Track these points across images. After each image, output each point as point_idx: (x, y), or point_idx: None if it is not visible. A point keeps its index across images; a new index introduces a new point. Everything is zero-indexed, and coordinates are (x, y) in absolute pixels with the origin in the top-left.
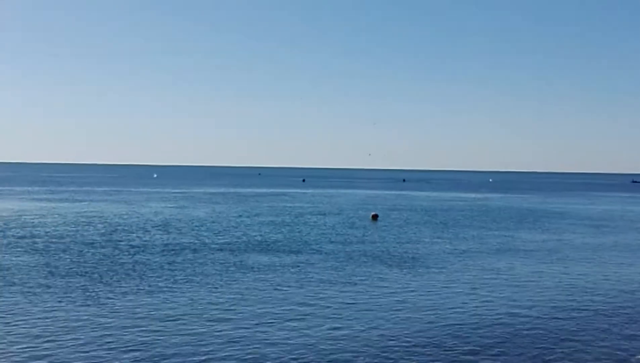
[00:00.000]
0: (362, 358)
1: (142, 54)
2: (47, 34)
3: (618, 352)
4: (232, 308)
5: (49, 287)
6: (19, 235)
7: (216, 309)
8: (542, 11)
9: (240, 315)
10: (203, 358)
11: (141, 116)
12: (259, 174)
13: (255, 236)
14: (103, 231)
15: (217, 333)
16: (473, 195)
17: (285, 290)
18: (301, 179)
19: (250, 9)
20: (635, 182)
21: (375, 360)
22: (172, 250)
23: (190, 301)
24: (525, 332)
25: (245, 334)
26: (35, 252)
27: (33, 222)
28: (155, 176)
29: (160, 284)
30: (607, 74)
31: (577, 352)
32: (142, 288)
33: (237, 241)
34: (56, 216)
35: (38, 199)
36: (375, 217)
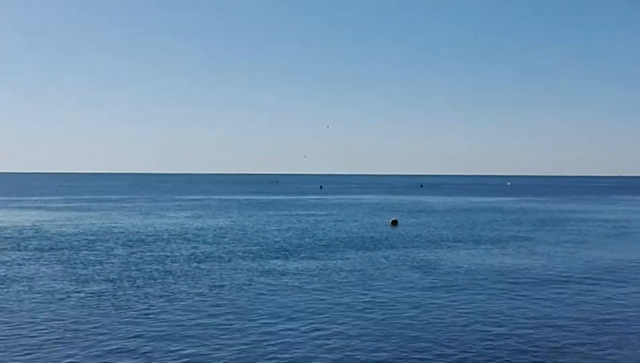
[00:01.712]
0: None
1: (147, 60)
2: (52, 37)
3: None
4: (255, 313)
5: (72, 296)
6: (39, 245)
7: (240, 314)
8: (554, 7)
9: (264, 319)
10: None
11: (158, 125)
12: (276, 181)
13: (276, 242)
14: (123, 239)
15: (241, 338)
16: (492, 199)
17: (310, 296)
18: (318, 186)
19: (256, 12)
20: None
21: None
22: (195, 257)
23: (214, 307)
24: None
25: (268, 337)
26: (58, 261)
27: (53, 232)
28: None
29: (185, 290)
30: (628, 74)
31: None
32: (166, 295)
33: (258, 248)
34: (75, 225)
35: (55, 209)
36: (395, 223)
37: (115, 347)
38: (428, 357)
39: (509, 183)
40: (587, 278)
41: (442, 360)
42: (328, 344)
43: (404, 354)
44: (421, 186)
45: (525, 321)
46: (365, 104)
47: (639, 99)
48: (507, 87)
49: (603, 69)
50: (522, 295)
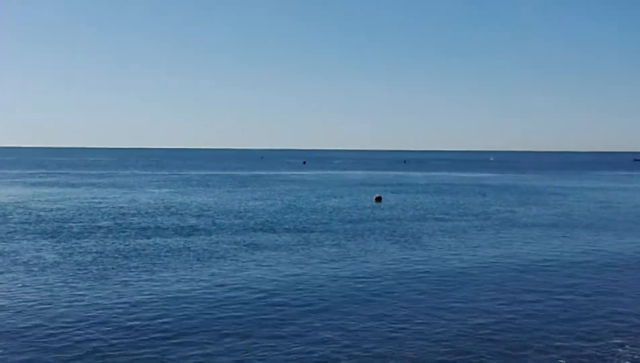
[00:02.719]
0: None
1: (140, 42)
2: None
3: None
4: (241, 286)
5: (56, 267)
6: (24, 219)
7: (226, 288)
8: None
9: (245, 291)
10: (215, 335)
11: (144, 99)
12: (262, 157)
13: (260, 217)
14: (107, 214)
15: (222, 310)
16: (476, 175)
17: (293, 269)
18: (302, 161)
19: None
20: (637, 160)
21: (383, 343)
22: (179, 231)
23: (200, 280)
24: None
25: (253, 311)
26: (43, 235)
27: (37, 206)
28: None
29: (167, 263)
30: (610, 50)
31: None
32: (151, 268)
33: (243, 223)
34: (57, 199)
35: (39, 184)
36: (379, 199)
37: (97, 317)
38: (405, 331)
39: (492, 158)
40: (571, 259)
41: (420, 336)
42: (309, 318)
43: (384, 330)
44: (405, 161)
45: (507, 300)
46: (349, 80)
47: (628, 74)
48: (490, 64)
49: (584, 46)
50: (503, 265)
